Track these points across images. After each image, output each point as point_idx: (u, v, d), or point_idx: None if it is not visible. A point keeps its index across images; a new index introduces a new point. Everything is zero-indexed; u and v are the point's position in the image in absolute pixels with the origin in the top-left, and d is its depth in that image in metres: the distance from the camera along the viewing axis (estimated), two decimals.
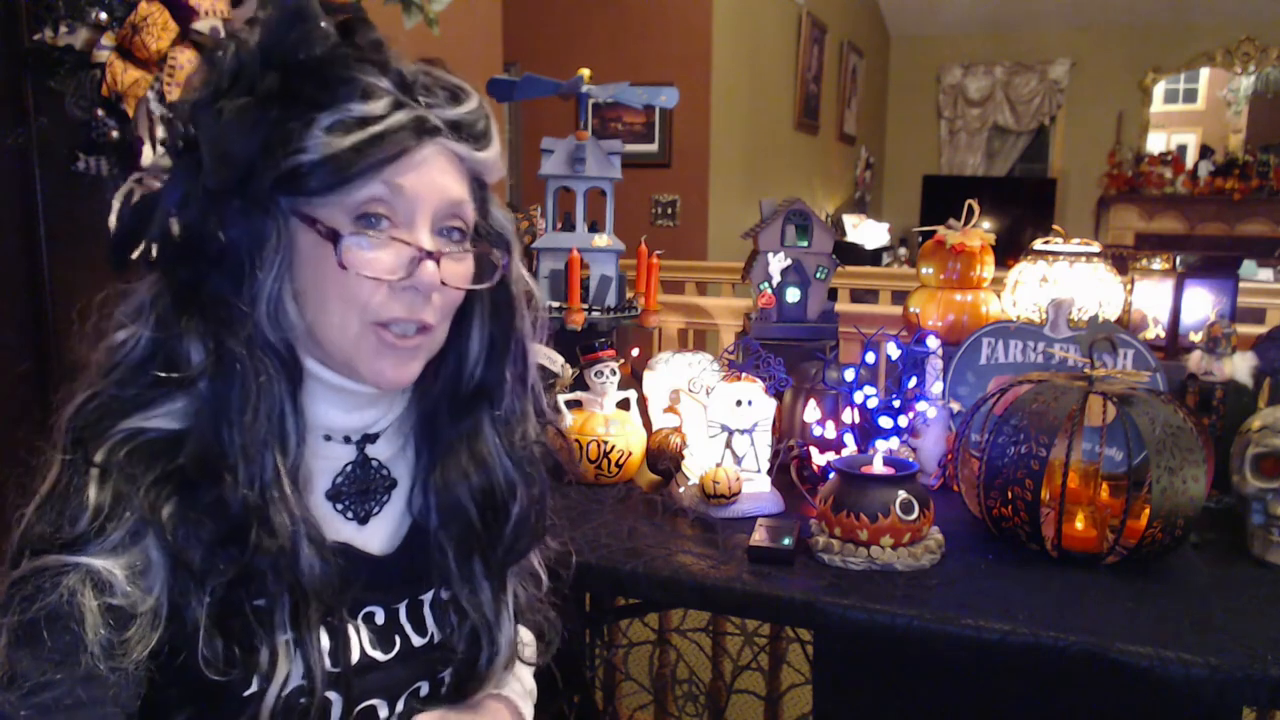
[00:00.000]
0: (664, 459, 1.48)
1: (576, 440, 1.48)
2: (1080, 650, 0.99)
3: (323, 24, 0.73)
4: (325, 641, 0.77)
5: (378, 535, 0.86)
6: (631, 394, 1.57)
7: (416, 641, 0.86)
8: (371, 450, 0.86)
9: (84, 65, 1.49)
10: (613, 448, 1.48)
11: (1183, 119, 8.40)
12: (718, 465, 1.36)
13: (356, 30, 0.76)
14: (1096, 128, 8.31)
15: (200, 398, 0.73)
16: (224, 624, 0.73)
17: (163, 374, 0.74)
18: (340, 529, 0.84)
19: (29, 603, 0.68)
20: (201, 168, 0.73)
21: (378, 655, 0.82)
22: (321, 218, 0.74)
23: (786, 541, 1.22)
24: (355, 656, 0.80)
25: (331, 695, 0.78)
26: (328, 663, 0.77)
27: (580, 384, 1.57)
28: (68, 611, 0.68)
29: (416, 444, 0.89)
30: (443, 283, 0.78)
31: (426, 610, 0.87)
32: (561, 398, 1.54)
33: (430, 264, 0.76)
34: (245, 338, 0.74)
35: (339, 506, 0.84)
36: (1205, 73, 8.15)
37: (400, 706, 0.84)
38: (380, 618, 0.84)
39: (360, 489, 0.85)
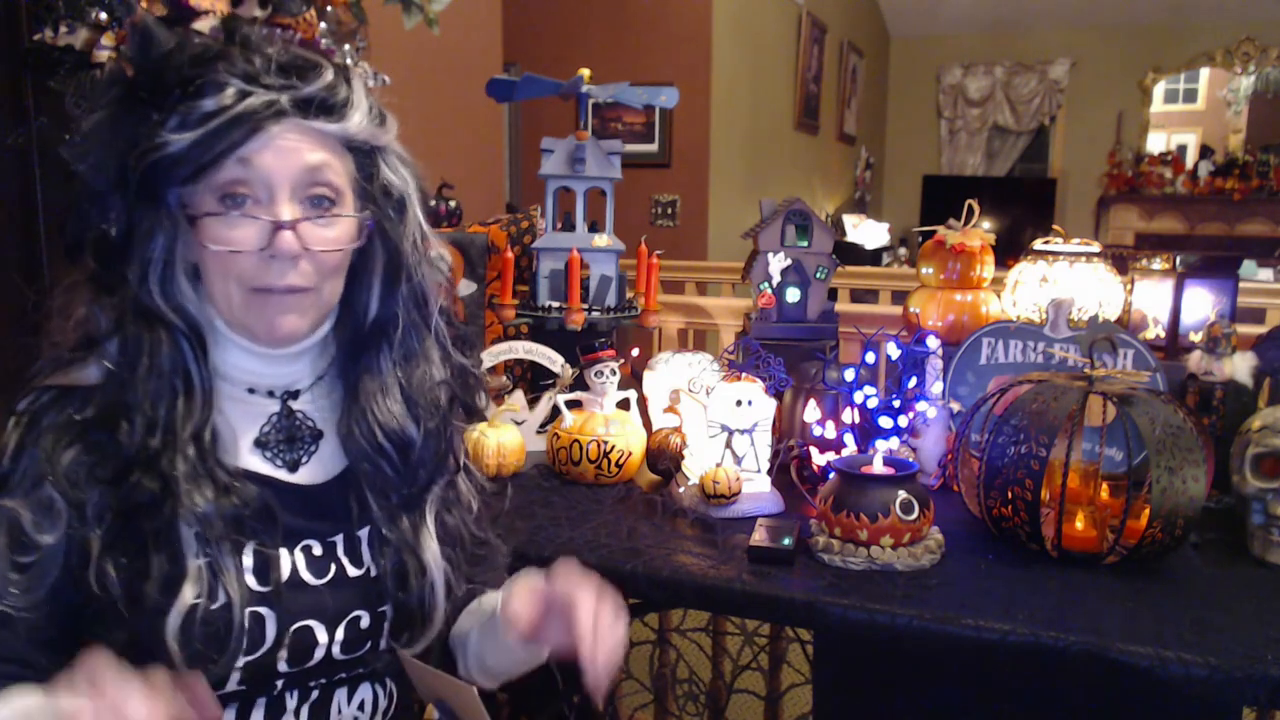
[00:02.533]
0: (664, 459, 1.48)
1: (576, 440, 1.49)
2: (1080, 650, 0.99)
3: (157, 33, 0.82)
4: (249, 561, 0.84)
5: (310, 477, 0.93)
6: (631, 394, 1.57)
7: (352, 572, 0.91)
8: (295, 404, 0.93)
9: (84, 65, 1.49)
10: (613, 448, 1.48)
11: (1183, 119, 8.40)
12: (718, 465, 1.36)
13: (232, 29, 0.85)
14: (1096, 128, 8.31)
15: (110, 359, 0.83)
16: (117, 552, 0.80)
17: (81, 338, 0.85)
18: (274, 472, 0.91)
19: None
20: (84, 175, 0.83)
21: (309, 579, 0.88)
22: (191, 202, 0.83)
23: (786, 541, 1.22)
24: (285, 576, 0.87)
25: (263, 610, 0.84)
26: (253, 581, 0.84)
27: (580, 384, 1.57)
28: None
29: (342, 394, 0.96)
30: (306, 248, 0.84)
31: (364, 546, 0.93)
32: (561, 398, 1.54)
33: (287, 233, 0.83)
34: (140, 309, 0.84)
35: (267, 454, 0.91)
36: (1205, 73, 8.15)
37: (340, 634, 0.89)
38: (317, 549, 0.90)
39: (286, 438, 0.92)
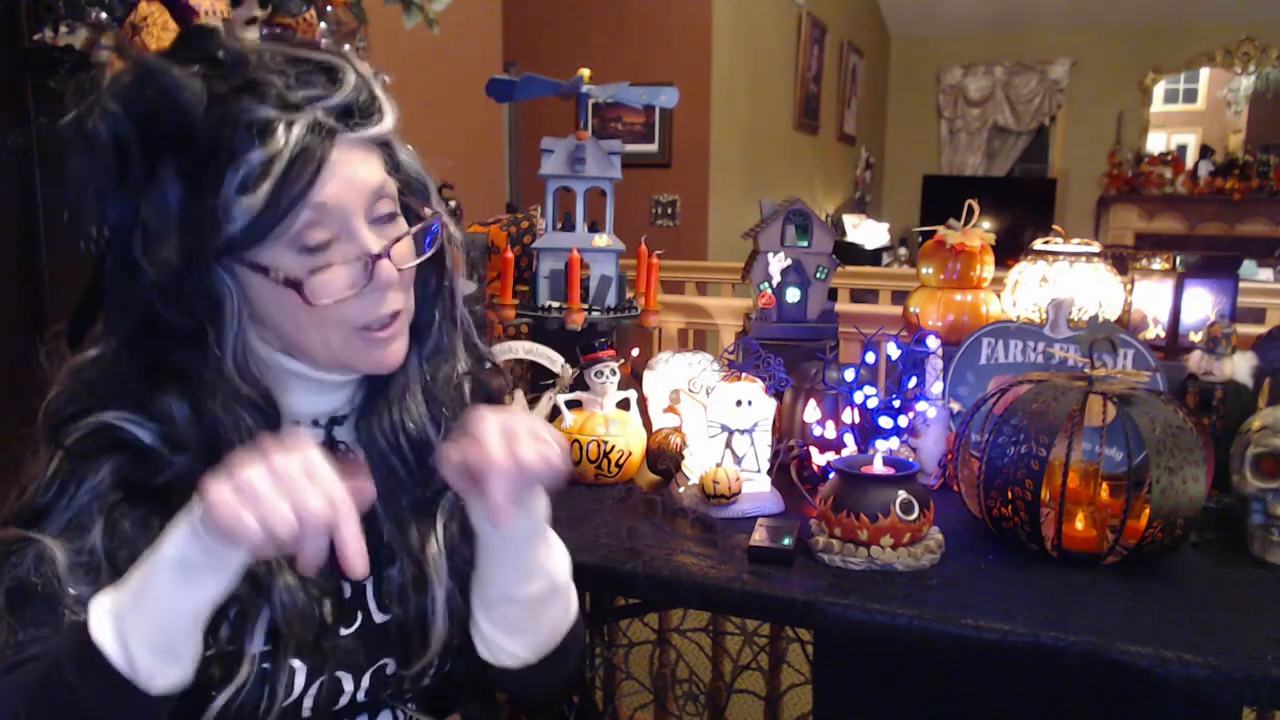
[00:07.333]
0: (664, 459, 1.48)
1: (576, 440, 1.49)
2: (1080, 650, 0.99)
3: (183, 86, 0.70)
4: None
5: None
6: (631, 394, 1.56)
7: (379, 618, 0.87)
8: (338, 432, 0.88)
9: (84, 65, 1.49)
10: (613, 448, 1.48)
11: (1183, 119, 8.40)
12: (718, 465, 1.36)
13: (226, 51, 0.73)
14: (1096, 128, 8.32)
15: (179, 433, 0.76)
16: None
17: (155, 422, 0.76)
18: None
19: (4, 571, 0.74)
20: (136, 266, 0.73)
21: (340, 628, 0.84)
22: (269, 262, 0.75)
23: (786, 541, 1.22)
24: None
25: (295, 663, 0.80)
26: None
27: (580, 384, 1.57)
28: (37, 580, 0.72)
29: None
30: (400, 269, 0.80)
31: (394, 588, 0.88)
32: (561, 398, 1.54)
33: (385, 263, 0.78)
34: (220, 398, 0.76)
35: None
36: (1205, 73, 8.15)
37: (366, 682, 0.86)
38: (347, 590, 0.86)
39: None
